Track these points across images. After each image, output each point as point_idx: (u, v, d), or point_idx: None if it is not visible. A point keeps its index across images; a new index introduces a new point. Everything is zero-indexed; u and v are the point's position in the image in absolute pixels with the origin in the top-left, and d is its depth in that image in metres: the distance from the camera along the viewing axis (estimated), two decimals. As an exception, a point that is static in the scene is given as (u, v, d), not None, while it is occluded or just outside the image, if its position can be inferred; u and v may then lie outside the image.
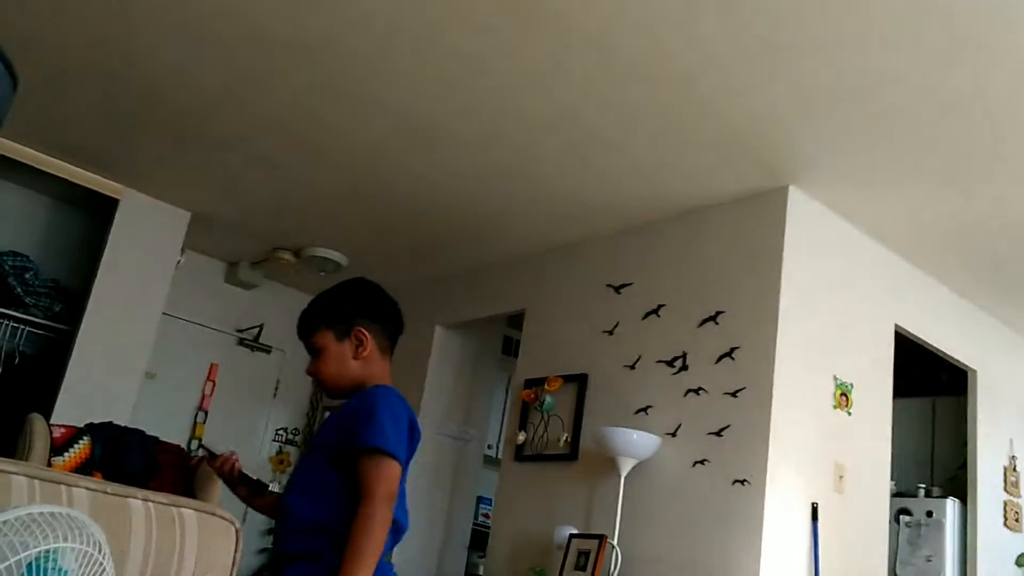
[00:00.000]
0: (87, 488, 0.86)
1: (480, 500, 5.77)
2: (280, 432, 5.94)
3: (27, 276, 4.62)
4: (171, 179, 4.69)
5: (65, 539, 0.73)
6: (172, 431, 5.05)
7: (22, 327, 4.57)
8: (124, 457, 3.60)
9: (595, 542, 3.67)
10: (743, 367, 3.63)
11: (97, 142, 4.39)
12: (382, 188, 4.40)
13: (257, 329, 5.83)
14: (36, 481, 0.84)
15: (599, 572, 3.57)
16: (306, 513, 1.56)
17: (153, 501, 0.90)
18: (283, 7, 3.06)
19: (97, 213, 4.91)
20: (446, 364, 5.34)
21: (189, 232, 5.05)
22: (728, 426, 3.58)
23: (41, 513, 0.74)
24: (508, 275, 4.99)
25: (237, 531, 0.95)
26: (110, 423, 3.75)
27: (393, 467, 1.68)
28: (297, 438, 6.00)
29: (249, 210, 4.95)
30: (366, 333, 1.96)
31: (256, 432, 5.83)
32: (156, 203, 4.91)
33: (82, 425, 3.68)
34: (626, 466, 3.71)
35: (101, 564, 0.74)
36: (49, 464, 3.42)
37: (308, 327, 1.99)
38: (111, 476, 3.57)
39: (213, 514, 0.94)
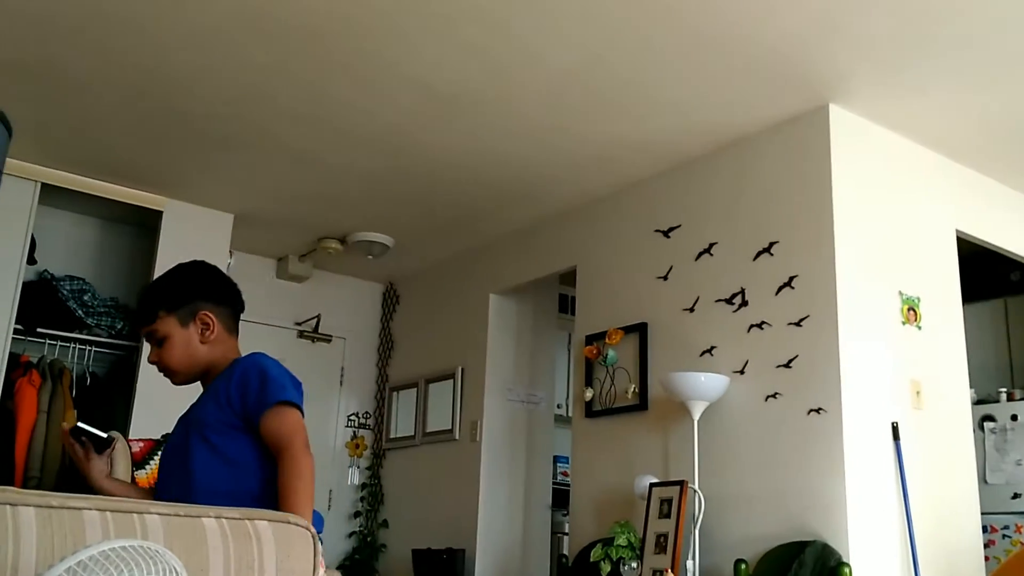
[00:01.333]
0: (159, 513, 0.86)
1: (557, 459, 5.79)
2: (352, 418, 6.02)
3: (86, 298, 4.72)
4: (210, 184, 4.73)
5: (144, 572, 0.72)
6: (247, 430, 5.15)
7: (89, 348, 4.68)
8: (204, 462, 3.67)
9: (676, 488, 3.66)
10: (804, 295, 3.55)
11: (134, 159, 4.44)
12: (416, 164, 4.38)
13: (315, 320, 5.89)
14: (108, 513, 0.84)
15: (683, 517, 3.56)
16: (226, 485, 1.65)
17: (226, 517, 0.90)
18: (292, -3, 3.03)
19: (144, 227, 4.99)
20: (505, 330, 5.34)
21: (234, 233, 5.10)
22: (796, 356, 3.52)
23: (115, 548, 0.73)
24: (555, 234, 4.95)
25: (314, 536, 0.95)
26: (186, 431, 3.82)
27: (300, 418, 1.78)
28: (369, 421, 6.08)
29: (290, 204, 4.97)
30: (211, 316, 1.92)
31: (328, 420, 5.92)
32: (199, 209, 4.97)
33: (159, 437, 3.77)
34: (697, 409, 3.68)
35: (181, 590, 0.73)
36: (133, 479, 3.51)
37: (147, 315, 1.90)
38: (194, 482, 3.65)
39: (287, 523, 0.93)
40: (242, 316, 5.89)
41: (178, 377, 1.90)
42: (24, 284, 4.44)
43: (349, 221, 5.19)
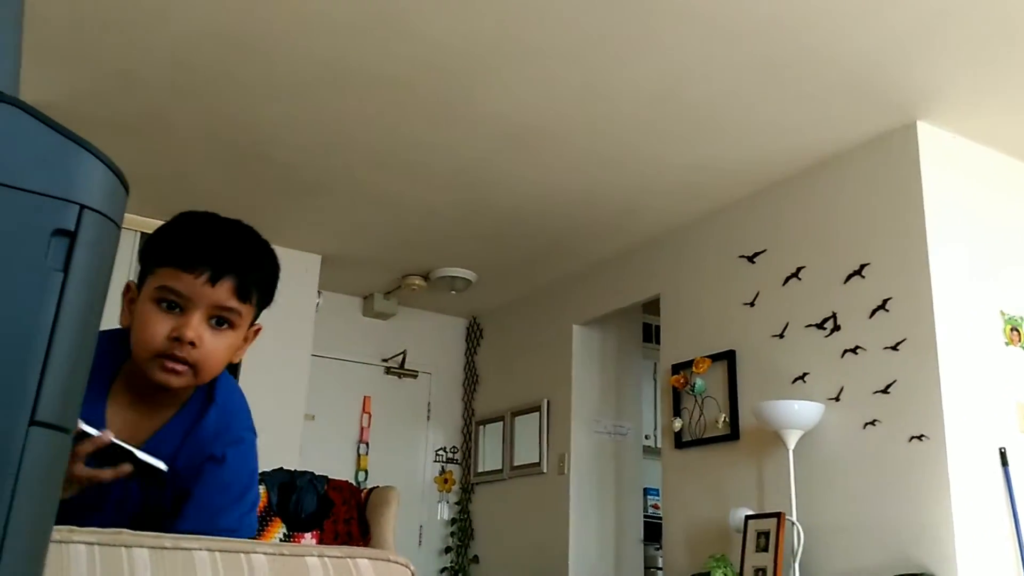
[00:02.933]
0: (264, 553, 0.88)
1: (647, 492, 5.70)
2: (440, 452, 6.06)
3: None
4: (299, 227, 4.87)
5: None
6: (338, 467, 5.24)
7: (188, 390, 4.83)
8: (299, 500, 3.75)
9: (773, 521, 3.56)
10: (900, 317, 3.44)
11: (228, 206, 4.56)
12: (498, 198, 4.43)
13: (401, 356, 5.96)
14: (217, 553, 0.86)
15: (782, 550, 3.46)
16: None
17: (328, 556, 0.91)
18: (363, 43, 3.12)
19: (236, 271, 5.15)
20: (589, 361, 5.32)
21: (322, 274, 5.22)
22: (894, 381, 3.40)
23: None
24: (638, 262, 4.92)
25: (412, 573, 0.96)
26: (280, 469, 3.91)
27: None
28: (456, 455, 6.10)
29: (374, 243, 5.07)
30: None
31: (416, 455, 5.97)
32: (289, 252, 5.10)
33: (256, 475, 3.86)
34: (792, 438, 3.58)
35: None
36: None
37: (245, 283, 1.26)
38: (289, 520, 3.72)
39: (387, 560, 0.94)
40: (331, 354, 5.97)
41: (194, 378, 1.25)
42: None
43: (432, 258, 5.27)
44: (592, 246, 4.98)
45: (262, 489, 3.74)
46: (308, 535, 3.71)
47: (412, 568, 0.95)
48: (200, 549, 0.86)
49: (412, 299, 5.83)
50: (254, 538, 1.27)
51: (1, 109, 0.46)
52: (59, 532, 0.81)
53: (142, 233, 4.69)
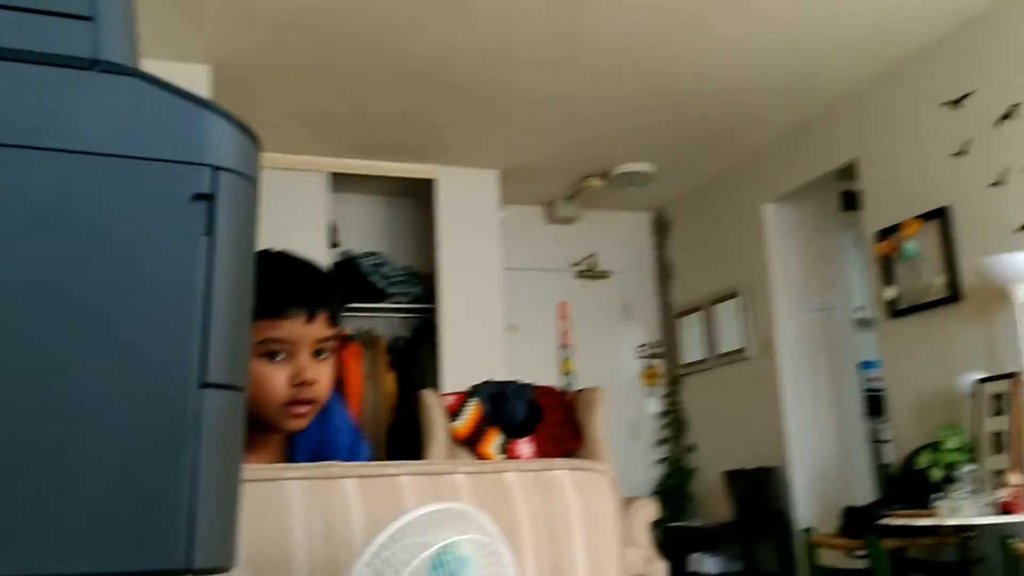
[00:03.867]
0: (464, 472, 0.90)
1: (863, 365, 5.47)
2: (642, 348, 6.07)
3: (384, 270, 5.14)
4: (474, 146, 4.93)
5: (458, 531, 0.76)
6: (545, 374, 5.38)
7: (394, 316, 5.10)
8: (510, 409, 3.89)
9: (1007, 382, 3.31)
10: None
11: (405, 136, 4.73)
12: (669, 85, 4.25)
13: (590, 258, 5.97)
14: (419, 477, 0.89)
15: (1020, 411, 3.21)
16: None
17: (526, 470, 0.92)
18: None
19: (421, 197, 5.31)
20: (786, 239, 5.09)
21: (502, 188, 5.27)
22: None
23: (435, 511, 0.77)
24: (826, 128, 4.61)
25: (611, 480, 0.95)
26: (489, 381, 4.06)
27: None
28: (658, 349, 6.09)
29: (549, 149, 5.05)
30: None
31: (619, 354, 6.02)
32: (467, 171, 5.19)
33: (467, 388, 4.03)
34: (1022, 292, 3.28)
35: (495, 550, 0.77)
36: (450, 431, 3.79)
37: (336, 312, 1.31)
38: (504, 428, 3.88)
39: (584, 469, 0.94)
40: (521, 265, 6.11)
41: (315, 411, 1.29)
42: (332, 266, 4.91)
43: (609, 155, 5.18)
44: (774, 118, 4.71)
45: (476, 401, 3.90)
46: (523, 441, 3.85)
47: (611, 475, 0.95)
48: (403, 474, 0.90)
49: (594, 200, 5.78)
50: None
51: (123, 82, 0.46)
52: (273, 470, 0.87)
53: (332, 173, 4.91)
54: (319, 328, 1.26)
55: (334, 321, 1.29)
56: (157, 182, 0.46)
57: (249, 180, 0.50)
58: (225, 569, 0.48)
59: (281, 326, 1.23)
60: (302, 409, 1.25)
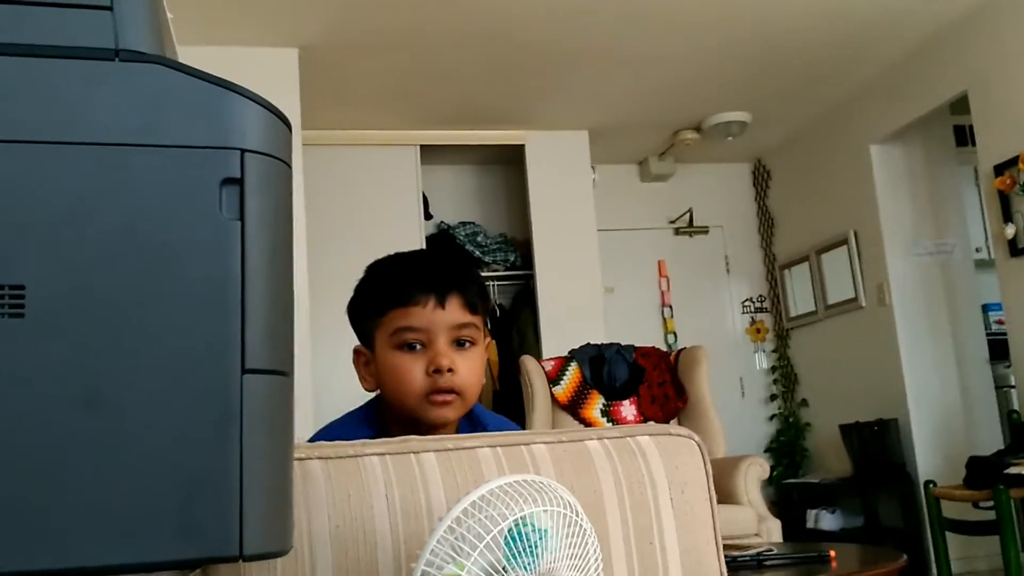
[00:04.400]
0: (544, 442, 0.89)
1: (987, 308, 5.19)
2: (746, 303, 5.93)
3: (479, 239, 5.16)
4: (560, 109, 4.86)
5: (536, 503, 0.75)
6: (646, 334, 5.32)
7: (491, 283, 5.12)
8: (610, 371, 3.86)
9: None
10: None
11: (492, 102, 4.71)
12: (760, 28, 4.08)
13: (687, 214, 5.84)
14: (499, 449, 0.88)
15: None
16: None
17: (608, 437, 0.90)
18: None
19: (512, 163, 5.29)
20: (895, 180, 4.85)
21: (592, 149, 5.20)
22: None
23: (510, 483, 0.76)
24: (932, 61, 4.34)
25: (698, 444, 0.92)
26: (587, 344, 4.04)
27: None
28: (765, 304, 5.93)
29: (638, 106, 4.94)
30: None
31: (722, 310, 5.89)
32: (555, 134, 5.13)
33: (566, 353, 4.02)
34: None
35: (576, 521, 0.75)
36: (552, 396, 3.80)
37: (473, 298, 1.27)
38: (604, 391, 3.86)
39: (669, 434, 0.91)
40: (616, 225, 6.05)
41: (462, 404, 1.25)
42: (427, 238, 4.96)
43: (701, 107, 5.03)
44: (876, 53, 4.47)
45: (575, 365, 3.89)
46: (626, 403, 3.83)
47: (696, 439, 0.92)
48: (482, 446, 0.89)
49: (688, 154, 5.64)
50: None
51: (146, 70, 0.46)
52: (353, 446, 0.87)
53: (421, 146, 4.94)
54: (453, 314, 1.22)
55: (471, 308, 1.24)
56: (185, 169, 0.46)
57: (280, 162, 0.49)
58: (279, 554, 0.48)
59: (411, 313, 1.21)
60: (443, 398, 1.21)
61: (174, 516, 0.44)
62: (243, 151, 0.47)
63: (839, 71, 4.65)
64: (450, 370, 1.20)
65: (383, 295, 1.26)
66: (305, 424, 3.25)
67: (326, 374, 3.75)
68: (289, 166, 0.50)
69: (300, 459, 0.84)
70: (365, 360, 1.29)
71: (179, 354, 0.44)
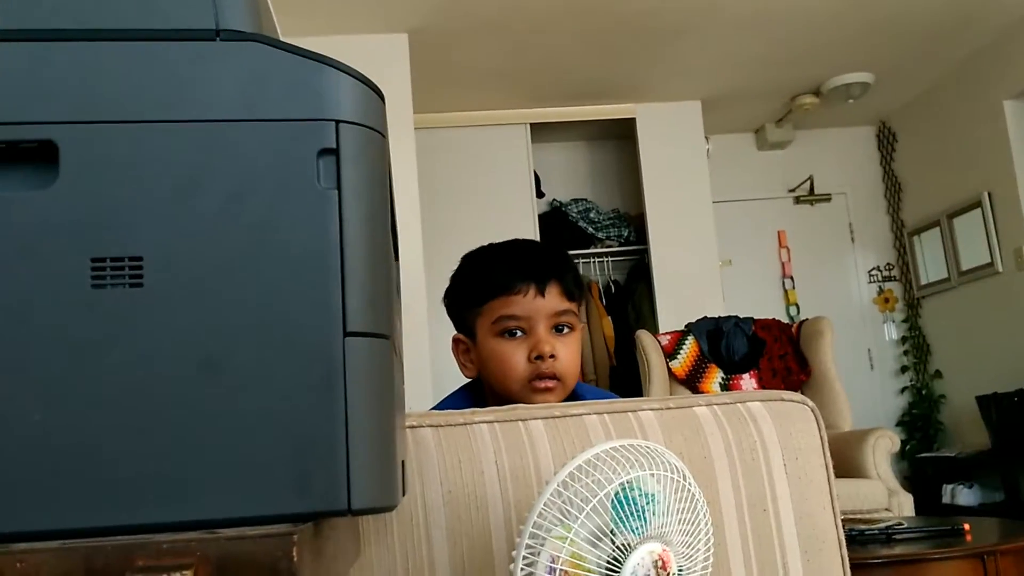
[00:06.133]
0: (652, 409, 0.88)
1: None
2: (873, 273, 5.69)
3: (592, 215, 5.14)
4: (670, 78, 4.77)
5: (643, 467, 0.75)
6: (767, 306, 5.19)
7: (606, 259, 5.10)
8: (728, 344, 3.78)
9: None
10: None
11: (599, 76, 4.67)
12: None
13: (808, 182, 5.64)
14: (606, 415, 0.89)
15: None
16: None
17: (717, 404, 0.89)
18: None
19: (623, 137, 5.23)
20: (1033, 137, 4.56)
21: (705, 119, 5.08)
22: None
23: (617, 448, 0.77)
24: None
25: (812, 409, 0.90)
26: (704, 318, 3.97)
27: None
28: (893, 272, 5.68)
29: (752, 72, 4.79)
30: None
31: (848, 280, 5.67)
32: (667, 105, 5.05)
33: (683, 327, 3.97)
34: None
35: (684, 486, 0.75)
36: (669, 371, 3.76)
37: (571, 285, 1.29)
38: (723, 365, 3.79)
39: (781, 400, 0.89)
40: (733, 196, 5.89)
41: (563, 389, 1.27)
42: (540, 216, 4.97)
43: (819, 70, 4.84)
44: (1006, 2, 4.18)
45: (691, 339, 3.83)
46: (746, 376, 3.75)
47: (810, 404, 0.90)
48: (589, 414, 0.89)
49: (807, 120, 5.44)
50: None
51: (245, 48, 0.48)
52: (463, 415, 0.89)
53: (531, 124, 4.94)
54: (553, 301, 1.25)
55: (569, 295, 1.28)
56: (284, 141, 0.48)
57: (375, 132, 0.50)
58: (386, 509, 0.50)
59: (513, 302, 1.25)
60: (545, 384, 1.24)
61: (287, 472, 0.46)
62: (338, 122, 0.48)
63: (967, 23, 4.38)
64: (552, 356, 1.23)
65: (484, 285, 1.29)
66: (424, 401, 3.33)
67: (444, 352, 3.82)
68: (384, 136, 0.52)
69: (412, 427, 0.87)
70: (465, 348, 1.33)
71: (284, 319, 0.47)
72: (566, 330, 1.27)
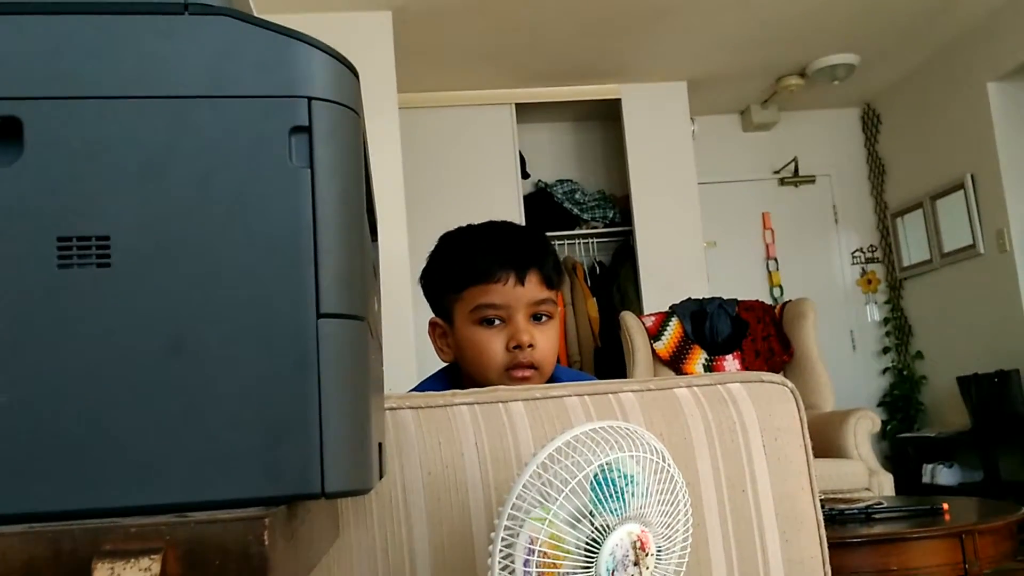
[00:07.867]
0: (632, 390, 0.88)
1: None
2: (856, 254, 5.72)
3: (577, 196, 5.13)
4: (656, 59, 4.76)
5: (622, 449, 0.75)
6: (751, 288, 5.21)
7: (591, 241, 5.09)
8: (712, 326, 3.80)
9: None
10: None
11: (584, 57, 4.65)
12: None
13: (792, 163, 5.65)
14: (586, 397, 0.88)
15: None
16: None
17: (697, 385, 0.89)
18: None
19: (608, 118, 5.22)
20: (1015, 119, 4.58)
21: (691, 100, 5.07)
22: None
23: (596, 429, 0.77)
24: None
25: (791, 390, 0.90)
26: (688, 299, 3.98)
27: None
28: (876, 254, 5.71)
29: (737, 53, 4.78)
30: None
31: (831, 261, 5.70)
32: (652, 86, 5.03)
33: (667, 308, 3.98)
34: None
35: (664, 467, 0.75)
36: (653, 352, 3.77)
37: (551, 274, 1.28)
38: (707, 345, 3.80)
39: (761, 381, 0.89)
40: (718, 178, 5.88)
41: (540, 378, 1.26)
42: (524, 197, 4.96)
43: (804, 51, 4.83)
44: (994, -17, 4.19)
45: (675, 320, 3.84)
46: (729, 357, 3.76)
47: (789, 385, 0.90)
48: (570, 395, 0.89)
49: (792, 101, 5.44)
50: None
51: (214, 23, 0.47)
52: (443, 396, 0.89)
53: (516, 104, 4.92)
54: (532, 290, 1.24)
55: (549, 284, 1.26)
56: (255, 118, 0.47)
57: (349, 109, 0.49)
58: (362, 491, 0.49)
59: (492, 290, 1.23)
60: (523, 373, 1.23)
61: (259, 455, 0.45)
62: (310, 99, 0.47)
63: (952, 6, 4.38)
64: (530, 345, 1.22)
65: (463, 271, 1.27)
66: (408, 383, 3.32)
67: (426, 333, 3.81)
68: (359, 114, 0.51)
69: (392, 408, 0.86)
70: (442, 332, 1.31)
71: (256, 300, 0.46)
72: (544, 318, 1.26)
